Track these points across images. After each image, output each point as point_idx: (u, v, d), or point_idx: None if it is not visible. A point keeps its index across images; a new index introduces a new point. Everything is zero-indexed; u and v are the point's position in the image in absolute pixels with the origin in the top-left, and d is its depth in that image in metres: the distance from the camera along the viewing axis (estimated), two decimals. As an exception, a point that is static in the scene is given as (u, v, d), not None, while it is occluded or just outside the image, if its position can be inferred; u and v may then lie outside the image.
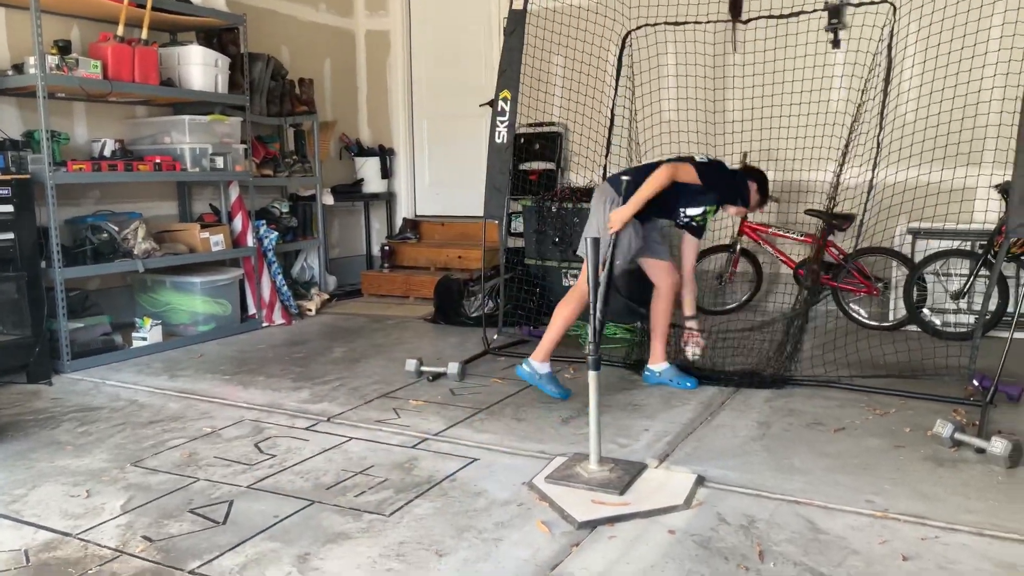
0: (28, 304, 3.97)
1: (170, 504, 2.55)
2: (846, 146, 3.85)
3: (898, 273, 4.92)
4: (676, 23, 4.69)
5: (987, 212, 4.66)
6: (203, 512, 2.49)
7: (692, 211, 3.65)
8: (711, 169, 3.58)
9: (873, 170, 3.72)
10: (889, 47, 3.66)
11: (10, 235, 3.90)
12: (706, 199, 3.59)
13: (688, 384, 3.71)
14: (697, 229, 3.74)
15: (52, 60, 4.16)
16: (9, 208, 3.88)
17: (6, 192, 3.87)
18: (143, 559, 2.20)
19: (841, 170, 3.94)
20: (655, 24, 4.81)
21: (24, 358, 3.95)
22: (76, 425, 3.36)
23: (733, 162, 5.28)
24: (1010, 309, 4.46)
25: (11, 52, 4.48)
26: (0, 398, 3.72)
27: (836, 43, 5.25)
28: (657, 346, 3.79)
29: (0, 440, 3.17)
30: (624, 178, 3.49)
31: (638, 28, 4.91)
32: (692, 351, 3.85)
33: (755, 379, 3.74)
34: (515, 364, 4.23)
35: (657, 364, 3.80)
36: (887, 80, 3.64)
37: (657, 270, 3.74)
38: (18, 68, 4.26)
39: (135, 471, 2.84)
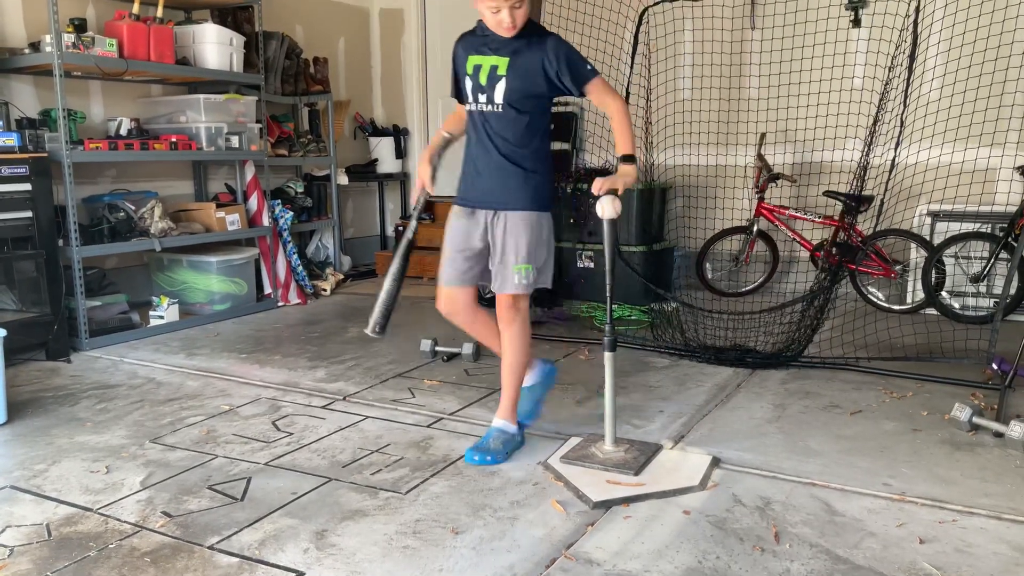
0: (46, 282, 4.00)
1: (189, 480, 2.58)
2: (874, 125, 3.79)
3: (917, 256, 4.87)
4: (694, -1, 4.62)
5: (1009, 194, 4.59)
6: (221, 488, 2.51)
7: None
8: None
9: (896, 147, 3.66)
10: (915, 23, 3.59)
11: (28, 213, 3.92)
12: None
13: (488, 459, 2.66)
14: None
15: (68, 38, 4.16)
16: (27, 186, 3.90)
17: (23, 170, 3.88)
18: (163, 534, 2.22)
19: (868, 151, 3.89)
20: (673, 0, 4.75)
21: (43, 336, 3.99)
22: (95, 402, 3.39)
23: (751, 142, 5.25)
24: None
25: (27, 30, 4.48)
26: (20, 375, 3.77)
27: (857, 22, 5.17)
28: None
29: (20, 416, 3.21)
30: None
31: (655, 4, 4.85)
32: None
33: (772, 359, 3.72)
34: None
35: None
36: (912, 58, 3.58)
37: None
38: (34, 46, 4.26)
39: (154, 448, 2.87)
